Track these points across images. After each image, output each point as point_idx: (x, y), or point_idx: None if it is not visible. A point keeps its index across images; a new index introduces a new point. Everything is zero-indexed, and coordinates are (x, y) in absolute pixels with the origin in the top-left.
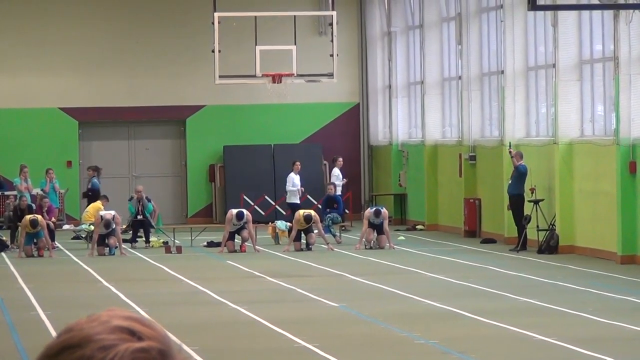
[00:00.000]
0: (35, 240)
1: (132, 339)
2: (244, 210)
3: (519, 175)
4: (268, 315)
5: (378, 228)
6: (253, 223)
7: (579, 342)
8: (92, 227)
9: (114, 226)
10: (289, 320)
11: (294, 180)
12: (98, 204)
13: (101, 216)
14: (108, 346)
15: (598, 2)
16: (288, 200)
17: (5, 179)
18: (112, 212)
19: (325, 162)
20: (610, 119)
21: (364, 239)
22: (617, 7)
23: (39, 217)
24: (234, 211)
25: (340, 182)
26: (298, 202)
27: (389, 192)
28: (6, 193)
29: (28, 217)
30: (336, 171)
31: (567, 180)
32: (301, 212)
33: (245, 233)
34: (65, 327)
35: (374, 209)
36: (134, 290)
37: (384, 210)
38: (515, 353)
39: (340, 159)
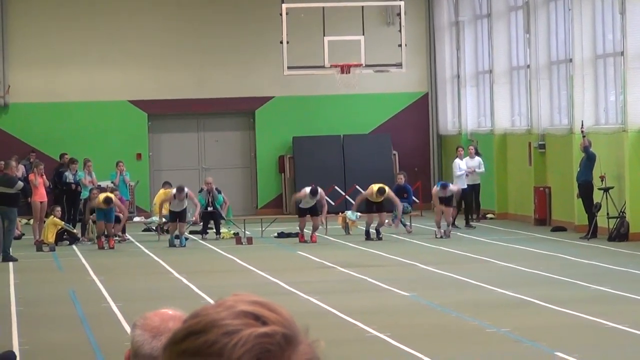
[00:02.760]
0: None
1: (257, 324)
2: (318, 188)
3: (588, 161)
4: (339, 305)
5: (447, 201)
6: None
7: None
8: (164, 220)
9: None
10: (360, 310)
11: (459, 165)
12: (162, 192)
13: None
14: (232, 331)
15: None
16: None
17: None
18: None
19: (394, 152)
20: None
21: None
22: None
23: (113, 195)
24: (307, 189)
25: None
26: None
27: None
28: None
29: (102, 195)
30: (458, 162)
31: (637, 167)
32: (375, 185)
33: (316, 220)
34: (192, 312)
35: (440, 184)
36: (205, 281)
37: (451, 186)
38: (586, 341)
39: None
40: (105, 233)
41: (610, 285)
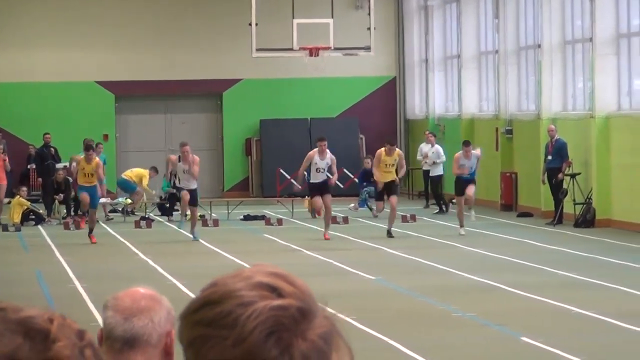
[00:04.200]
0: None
1: (272, 296)
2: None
3: (560, 148)
4: None
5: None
6: (289, 197)
7: (618, 315)
8: (128, 201)
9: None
10: (326, 293)
11: (422, 150)
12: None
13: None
14: (247, 303)
15: None
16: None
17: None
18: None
19: (361, 135)
20: None
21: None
22: None
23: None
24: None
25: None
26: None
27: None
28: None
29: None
30: (438, 148)
31: (604, 154)
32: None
33: (328, 201)
34: (211, 282)
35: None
36: (171, 263)
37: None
38: (553, 326)
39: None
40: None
41: (577, 272)
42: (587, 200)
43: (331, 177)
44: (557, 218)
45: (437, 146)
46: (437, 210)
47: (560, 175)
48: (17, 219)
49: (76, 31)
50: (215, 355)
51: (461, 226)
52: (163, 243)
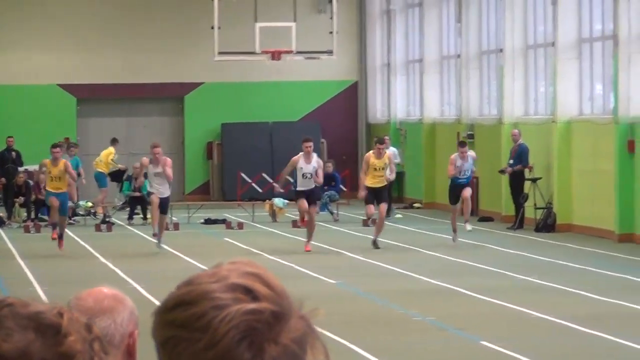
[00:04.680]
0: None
1: (246, 299)
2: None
3: (521, 153)
4: None
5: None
6: (250, 200)
7: (577, 319)
8: (89, 204)
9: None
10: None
11: None
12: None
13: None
14: (221, 305)
15: None
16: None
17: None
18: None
19: (323, 140)
20: (609, 97)
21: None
22: None
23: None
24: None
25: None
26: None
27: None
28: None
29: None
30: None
31: (565, 158)
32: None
33: (313, 212)
34: (187, 279)
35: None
36: (131, 266)
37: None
38: (511, 330)
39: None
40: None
41: (537, 276)
42: (548, 204)
43: (317, 180)
44: (518, 223)
45: (392, 148)
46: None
47: (508, 170)
48: None
49: (38, 34)
50: (187, 358)
51: (454, 231)
52: (124, 247)
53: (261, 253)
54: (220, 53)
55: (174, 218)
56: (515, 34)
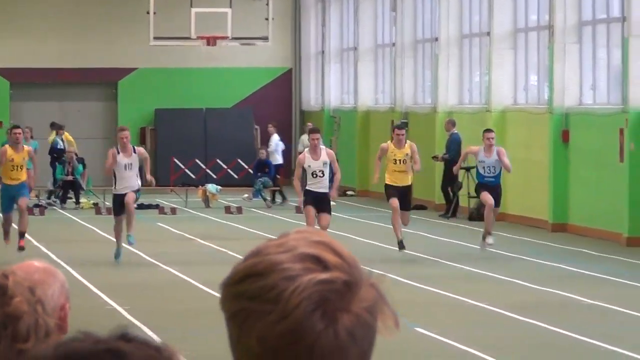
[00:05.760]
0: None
1: (317, 269)
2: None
3: (454, 143)
4: (199, 277)
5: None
6: (183, 186)
7: (512, 307)
8: None
9: None
10: (219, 282)
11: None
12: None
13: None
14: (292, 277)
15: None
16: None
17: None
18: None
19: (256, 126)
20: (543, 88)
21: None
22: None
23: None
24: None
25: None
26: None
27: None
28: None
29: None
30: (276, 138)
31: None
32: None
33: (324, 220)
34: (253, 250)
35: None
36: (65, 250)
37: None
38: (446, 317)
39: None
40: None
41: (470, 264)
42: None
43: (331, 184)
44: (452, 211)
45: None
46: (281, 201)
47: (438, 158)
48: None
49: None
50: (259, 330)
51: (489, 234)
52: (56, 231)
53: (194, 238)
54: (156, 38)
55: (106, 202)
56: (451, 23)
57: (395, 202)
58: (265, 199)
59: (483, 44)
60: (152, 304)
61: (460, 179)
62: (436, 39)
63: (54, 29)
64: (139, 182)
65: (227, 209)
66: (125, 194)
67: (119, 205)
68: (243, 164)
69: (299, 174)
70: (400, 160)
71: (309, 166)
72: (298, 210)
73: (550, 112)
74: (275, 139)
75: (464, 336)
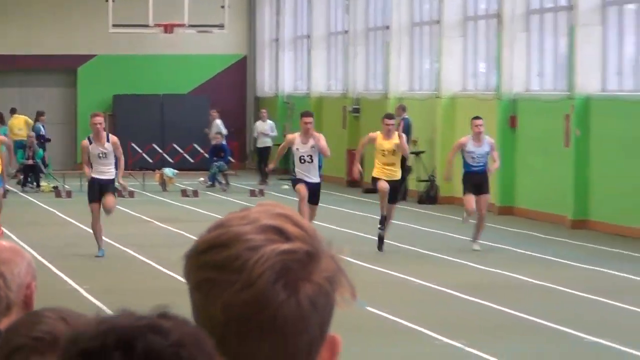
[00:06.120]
0: None
1: (280, 240)
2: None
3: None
4: (156, 258)
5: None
6: (140, 169)
7: (460, 287)
8: None
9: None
10: (176, 263)
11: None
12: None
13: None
14: (255, 247)
15: None
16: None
17: None
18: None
19: (212, 113)
20: (492, 75)
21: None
22: None
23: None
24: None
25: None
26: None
27: (275, 143)
28: None
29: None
30: (218, 122)
31: (449, 133)
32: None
33: (313, 210)
34: (217, 222)
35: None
36: (25, 233)
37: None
38: (396, 297)
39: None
40: None
41: (419, 245)
42: (431, 177)
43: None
44: (402, 194)
45: (269, 121)
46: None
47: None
48: None
49: None
50: (223, 299)
51: (474, 240)
52: (18, 214)
53: (152, 220)
54: (115, 25)
55: (66, 186)
56: (402, 11)
57: (384, 188)
58: (220, 182)
59: (433, 32)
60: (110, 283)
61: (410, 164)
62: (387, 27)
63: (13, 16)
64: (115, 172)
65: (184, 192)
66: (101, 180)
67: (94, 190)
68: (199, 148)
69: (283, 150)
70: (388, 151)
71: (297, 149)
72: (252, 193)
73: (498, 99)
74: (217, 123)
75: (413, 314)
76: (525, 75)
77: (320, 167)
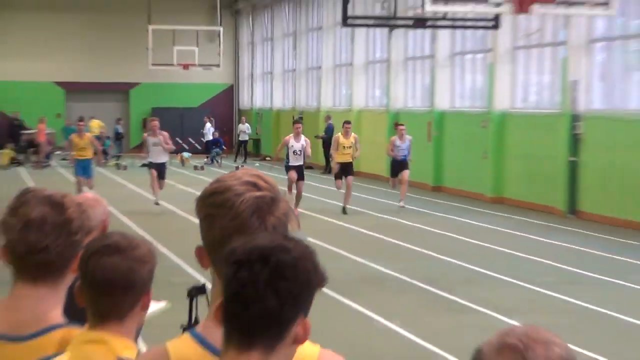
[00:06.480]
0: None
1: (255, 189)
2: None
3: (329, 129)
4: (178, 207)
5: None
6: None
7: (351, 249)
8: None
9: None
10: (190, 210)
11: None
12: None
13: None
14: (239, 193)
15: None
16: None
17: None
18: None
19: (212, 118)
20: (384, 96)
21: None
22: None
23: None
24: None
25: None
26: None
27: (250, 137)
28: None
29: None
30: (208, 125)
31: (358, 132)
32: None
33: (301, 187)
34: (216, 179)
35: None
36: (97, 191)
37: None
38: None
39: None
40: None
41: (337, 218)
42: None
43: (307, 154)
44: (328, 169)
45: (246, 124)
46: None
47: (319, 137)
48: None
49: (31, 42)
50: (220, 225)
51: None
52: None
53: (176, 184)
54: (153, 64)
55: (123, 163)
56: (328, 55)
57: (339, 182)
58: (217, 162)
59: (383, 69)
60: (151, 224)
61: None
62: (320, 67)
63: (88, 54)
64: (166, 158)
65: (195, 167)
66: (157, 162)
67: (153, 166)
68: (203, 140)
69: (281, 148)
70: (347, 147)
71: (292, 146)
72: (236, 169)
73: (388, 112)
74: (208, 125)
75: (331, 279)
76: (450, 96)
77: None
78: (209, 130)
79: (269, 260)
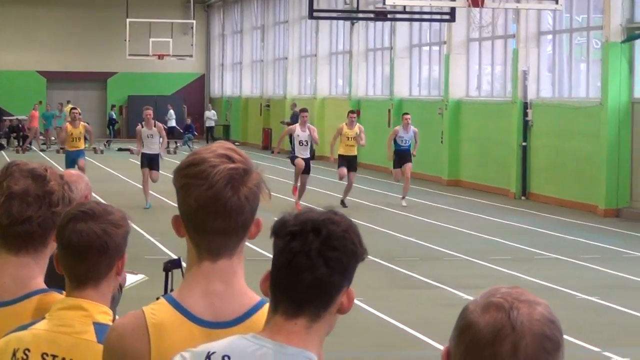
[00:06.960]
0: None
1: (228, 162)
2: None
3: (294, 115)
4: (155, 186)
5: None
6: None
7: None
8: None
9: None
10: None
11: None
12: None
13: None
14: (214, 165)
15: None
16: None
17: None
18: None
19: (185, 105)
20: (347, 86)
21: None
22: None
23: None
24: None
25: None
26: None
27: (221, 124)
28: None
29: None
30: (171, 111)
31: (321, 120)
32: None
33: (305, 180)
34: (192, 152)
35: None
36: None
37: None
38: None
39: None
40: None
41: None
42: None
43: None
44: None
45: (212, 111)
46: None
47: (284, 122)
48: None
49: (20, 33)
50: (196, 194)
51: (403, 197)
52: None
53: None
54: (130, 55)
55: (101, 147)
56: (294, 47)
57: (343, 170)
58: (189, 146)
59: (345, 60)
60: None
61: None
62: (286, 58)
63: (71, 46)
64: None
65: (168, 151)
66: (150, 154)
67: (145, 160)
68: (178, 127)
69: (283, 137)
70: (351, 137)
71: (298, 135)
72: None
73: (350, 100)
74: (171, 112)
75: None
76: (408, 85)
77: (312, 149)
78: (171, 116)
79: (320, 231)
